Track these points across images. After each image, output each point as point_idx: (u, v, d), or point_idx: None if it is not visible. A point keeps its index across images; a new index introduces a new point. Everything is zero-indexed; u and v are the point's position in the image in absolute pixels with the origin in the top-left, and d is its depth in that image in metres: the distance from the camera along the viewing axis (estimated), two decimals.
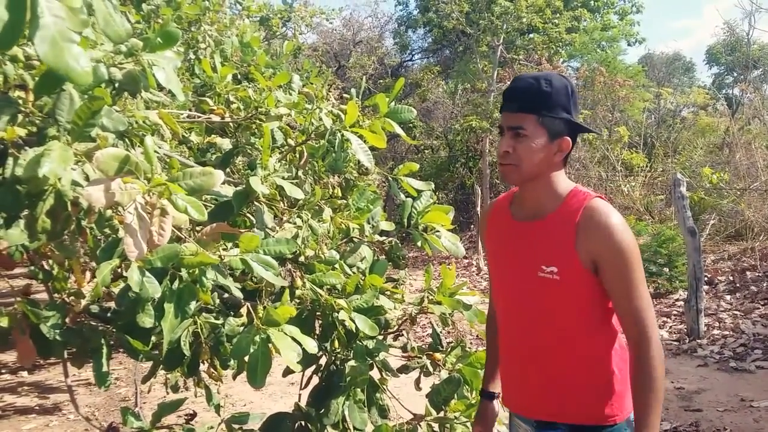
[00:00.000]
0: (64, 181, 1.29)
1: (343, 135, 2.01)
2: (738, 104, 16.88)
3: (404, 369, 2.20)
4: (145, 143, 1.30)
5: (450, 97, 17.65)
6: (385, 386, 2.13)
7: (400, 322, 2.22)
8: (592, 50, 18.40)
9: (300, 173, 2.27)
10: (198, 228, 1.61)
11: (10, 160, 1.35)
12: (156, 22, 2.75)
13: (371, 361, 2.04)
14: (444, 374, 2.14)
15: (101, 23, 1.28)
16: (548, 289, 1.54)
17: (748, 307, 6.34)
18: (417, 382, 2.22)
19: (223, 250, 1.54)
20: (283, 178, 1.94)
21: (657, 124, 15.78)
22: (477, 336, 5.65)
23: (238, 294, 1.70)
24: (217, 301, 1.81)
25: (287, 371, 2.11)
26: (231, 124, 2.52)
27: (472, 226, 13.31)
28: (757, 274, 7.41)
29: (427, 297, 2.19)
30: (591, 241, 1.48)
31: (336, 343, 2.02)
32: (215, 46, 3.29)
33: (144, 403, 4.31)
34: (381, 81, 17.03)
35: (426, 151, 16.73)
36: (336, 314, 1.89)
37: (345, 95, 2.74)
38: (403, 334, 2.28)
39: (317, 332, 2.00)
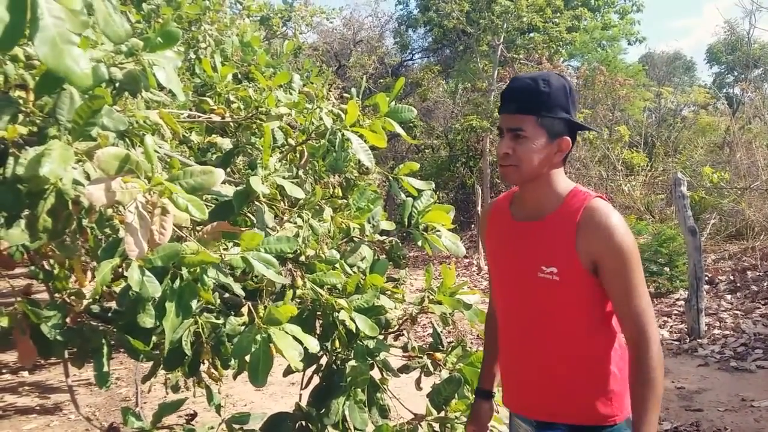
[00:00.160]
0: (65, 180, 1.29)
1: (343, 134, 2.01)
2: (739, 103, 16.89)
3: (405, 369, 2.20)
4: (146, 143, 1.29)
5: (450, 97, 17.66)
6: (385, 386, 2.13)
7: (400, 321, 2.22)
8: (593, 49, 18.40)
9: (300, 173, 2.27)
10: (199, 227, 1.61)
11: (11, 160, 1.36)
12: (156, 22, 2.75)
13: (372, 361, 2.04)
14: (445, 374, 2.14)
15: (101, 24, 1.28)
16: (548, 290, 1.54)
17: (749, 306, 6.34)
18: (418, 381, 2.22)
19: (224, 249, 1.54)
20: (283, 177, 1.94)
21: (657, 123, 15.78)
22: (478, 336, 5.64)
23: (240, 292, 1.70)
24: (218, 301, 1.81)
25: (288, 371, 2.11)
26: (231, 123, 2.52)
27: (472, 225, 13.31)
28: (757, 274, 7.41)
29: (428, 296, 2.19)
30: (591, 242, 1.48)
31: (336, 343, 2.01)
32: (216, 45, 3.29)
33: (144, 402, 4.32)
34: (381, 80, 17.02)
35: (426, 151, 16.73)
36: (336, 314, 1.89)
37: (345, 95, 2.74)
38: (403, 334, 2.28)
39: (318, 332, 2.00)
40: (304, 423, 2.05)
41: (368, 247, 2.18)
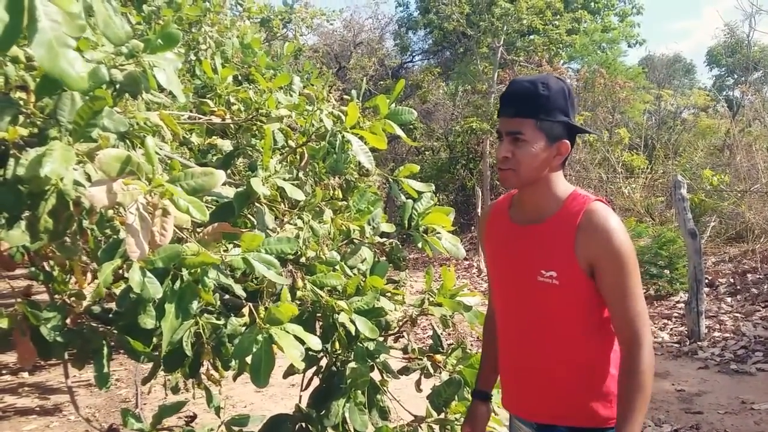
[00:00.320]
0: (66, 181, 1.29)
1: (343, 136, 2.01)
2: (738, 106, 16.89)
3: (405, 371, 2.20)
4: (147, 144, 1.30)
5: (450, 99, 17.67)
6: (385, 388, 2.13)
7: (400, 323, 2.22)
8: (593, 52, 18.41)
9: (301, 174, 2.27)
10: (199, 228, 1.61)
11: (11, 161, 1.36)
12: (157, 24, 2.75)
13: (372, 363, 2.04)
14: (445, 376, 2.14)
15: (101, 25, 1.28)
16: (547, 294, 1.54)
17: (749, 309, 6.34)
18: (418, 383, 2.22)
19: (224, 250, 1.54)
20: (284, 179, 1.94)
21: (657, 125, 15.78)
22: (478, 338, 5.64)
23: (241, 293, 1.70)
24: (218, 302, 1.81)
25: (288, 373, 2.11)
26: (232, 125, 2.53)
27: (472, 227, 13.31)
28: (757, 276, 7.41)
29: (428, 299, 2.19)
30: (589, 244, 1.48)
31: (337, 345, 2.01)
32: (216, 47, 3.30)
33: (144, 404, 4.31)
34: (381, 82, 17.03)
35: (426, 153, 16.73)
36: (336, 316, 1.89)
37: (345, 96, 2.75)
38: (403, 336, 2.28)
39: (318, 334, 2.00)
40: (304, 425, 2.04)
41: (368, 249, 2.18)
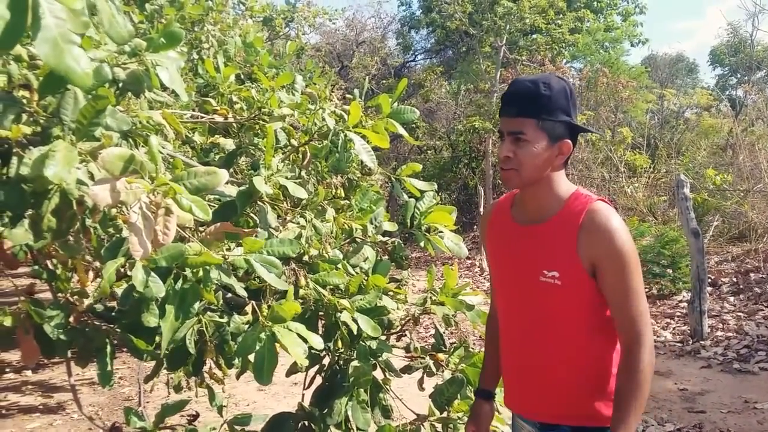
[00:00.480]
0: (70, 180, 1.29)
1: (346, 135, 2.01)
2: (741, 105, 16.85)
3: (407, 369, 2.20)
4: (150, 143, 1.30)
5: (453, 98, 17.64)
6: (388, 386, 2.13)
7: (403, 322, 2.22)
8: (595, 51, 18.37)
9: (303, 173, 2.27)
10: (202, 228, 1.61)
11: (14, 160, 1.36)
12: (159, 22, 2.75)
13: (374, 362, 2.04)
14: (447, 374, 2.14)
15: (104, 24, 1.28)
16: (550, 294, 1.54)
17: (752, 308, 6.33)
18: (420, 382, 2.22)
19: (227, 250, 1.54)
20: (286, 178, 1.94)
21: (660, 125, 15.75)
22: (480, 336, 5.64)
23: (243, 293, 1.71)
24: (221, 301, 1.81)
25: (291, 371, 2.11)
26: (234, 124, 2.53)
27: (474, 226, 13.30)
28: (760, 276, 7.39)
29: (430, 297, 2.19)
30: (591, 244, 1.48)
31: (339, 344, 2.01)
32: (218, 46, 3.30)
33: (147, 402, 4.32)
34: (384, 81, 17.02)
35: (429, 152, 16.71)
36: (339, 314, 1.89)
37: (348, 96, 2.74)
38: (406, 335, 2.27)
39: (320, 332, 2.00)
40: (306, 423, 2.05)
41: (371, 247, 2.18)
